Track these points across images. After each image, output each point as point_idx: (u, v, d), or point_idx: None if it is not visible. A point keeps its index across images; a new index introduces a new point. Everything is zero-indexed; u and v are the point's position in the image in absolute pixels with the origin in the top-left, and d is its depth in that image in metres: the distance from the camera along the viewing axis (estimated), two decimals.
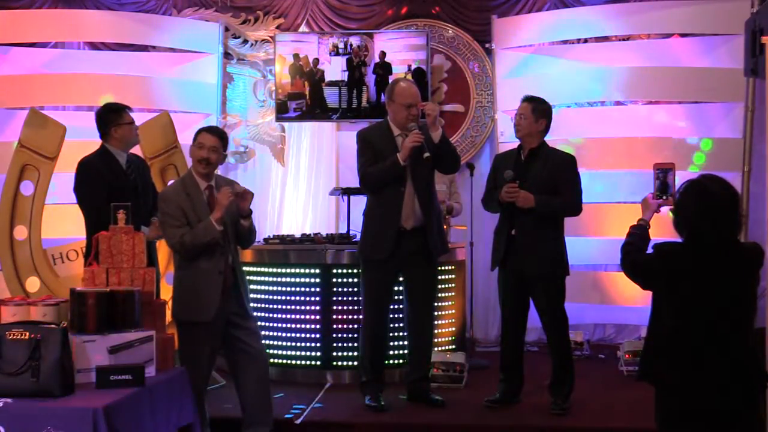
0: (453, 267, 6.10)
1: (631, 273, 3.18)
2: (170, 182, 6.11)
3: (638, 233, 3.23)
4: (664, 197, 3.36)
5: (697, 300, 2.98)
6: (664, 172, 3.38)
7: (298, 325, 5.70)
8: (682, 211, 3.08)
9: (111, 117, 5.02)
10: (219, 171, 4.63)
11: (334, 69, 7.31)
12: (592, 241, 6.91)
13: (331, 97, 7.33)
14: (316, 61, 7.30)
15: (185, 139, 6.36)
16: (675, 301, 3.02)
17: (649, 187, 3.47)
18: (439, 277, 5.41)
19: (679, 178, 3.28)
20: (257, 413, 4.37)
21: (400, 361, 5.50)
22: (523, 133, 4.92)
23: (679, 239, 3.10)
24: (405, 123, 4.86)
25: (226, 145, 4.54)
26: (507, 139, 7.14)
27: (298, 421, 4.73)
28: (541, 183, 4.83)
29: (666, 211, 3.33)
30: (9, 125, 6.96)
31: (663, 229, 3.92)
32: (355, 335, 5.49)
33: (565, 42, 7.39)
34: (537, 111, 4.90)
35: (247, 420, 4.39)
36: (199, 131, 4.42)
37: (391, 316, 5.19)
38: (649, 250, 3.14)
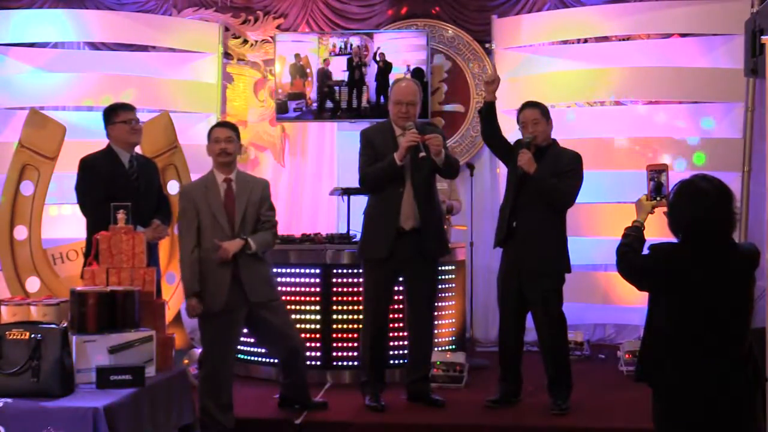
0: (453, 267, 6.10)
1: (627, 274, 3.18)
2: (170, 182, 6.14)
3: (633, 234, 3.23)
4: (658, 198, 3.35)
5: (693, 300, 2.98)
6: (657, 173, 3.38)
7: (298, 325, 5.66)
8: (675, 212, 3.08)
9: (106, 115, 5.02)
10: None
11: (334, 69, 7.30)
12: (592, 241, 6.90)
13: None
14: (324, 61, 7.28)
15: (186, 139, 6.40)
16: (671, 302, 3.02)
17: None
18: (439, 277, 5.41)
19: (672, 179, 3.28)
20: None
21: (400, 361, 5.49)
22: (542, 138, 4.91)
23: (674, 240, 3.10)
24: (396, 120, 4.88)
25: (239, 136, 4.75)
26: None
27: (297, 421, 4.73)
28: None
29: (660, 211, 3.32)
30: (9, 125, 6.96)
31: (658, 230, 3.92)
32: (355, 335, 5.49)
33: (565, 42, 7.38)
34: (545, 113, 4.93)
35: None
36: (211, 129, 4.71)
37: (391, 316, 5.19)
38: (645, 251, 3.14)
